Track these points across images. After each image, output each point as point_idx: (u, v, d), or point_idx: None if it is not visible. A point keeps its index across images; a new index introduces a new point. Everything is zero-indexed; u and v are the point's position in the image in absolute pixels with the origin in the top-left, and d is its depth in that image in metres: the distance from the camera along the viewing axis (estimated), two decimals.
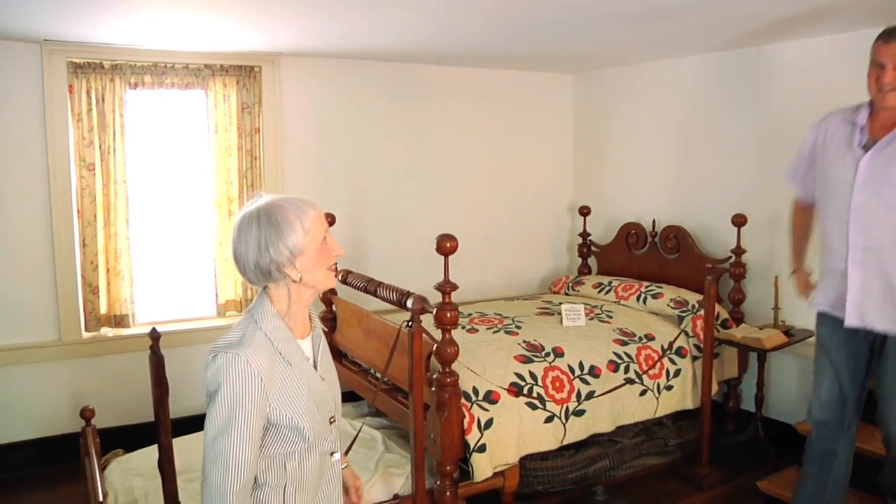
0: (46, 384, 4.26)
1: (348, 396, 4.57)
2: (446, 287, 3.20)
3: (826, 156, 3.01)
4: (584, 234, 5.53)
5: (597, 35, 4.08)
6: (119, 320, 4.37)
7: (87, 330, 4.35)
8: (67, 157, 4.18)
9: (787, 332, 4.12)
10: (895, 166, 2.77)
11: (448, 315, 3.19)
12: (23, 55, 4.03)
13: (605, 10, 3.45)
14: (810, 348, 4.05)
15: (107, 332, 4.39)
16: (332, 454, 1.92)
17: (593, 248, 5.52)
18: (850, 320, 2.92)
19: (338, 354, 4.53)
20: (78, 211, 4.25)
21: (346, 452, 3.08)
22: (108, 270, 4.33)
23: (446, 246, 3.18)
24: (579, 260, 5.58)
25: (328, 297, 4.57)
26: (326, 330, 2.01)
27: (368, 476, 3.44)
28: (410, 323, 3.08)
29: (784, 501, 3.50)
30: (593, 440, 3.91)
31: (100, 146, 4.23)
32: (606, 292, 4.85)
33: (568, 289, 5.20)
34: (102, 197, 4.28)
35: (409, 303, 3.12)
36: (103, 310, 4.36)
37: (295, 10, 3.42)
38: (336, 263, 1.87)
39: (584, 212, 5.49)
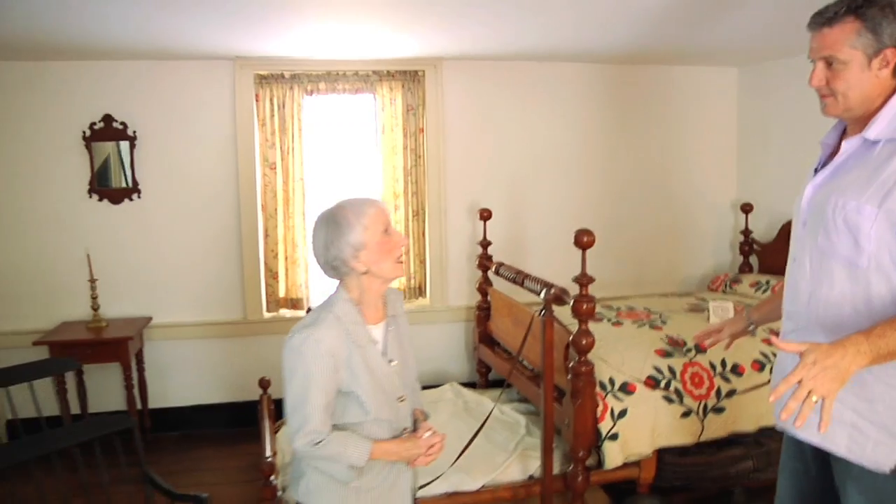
0: (233, 356, 4.86)
1: (499, 383, 4.83)
2: (583, 279, 3.35)
3: None
4: (746, 232, 5.40)
5: (763, 25, 3.98)
6: (295, 303, 4.88)
7: (267, 310, 4.90)
8: (253, 157, 4.73)
9: None
10: (840, 198, 1.90)
11: (584, 306, 3.33)
12: (218, 70, 4.64)
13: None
14: None
15: (285, 312, 4.92)
16: (404, 429, 2.11)
17: (755, 246, 5.38)
18: (778, 418, 1.86)
19: (490, 342, 4.79)
20: (261, 205, 4.80)
21: (474, 437, 3.31)
22: (286, 258, 4.85)
23: (583, 240, 3.32)
24: (741, 258, 5.46)
25: (484, 288, 4.83)
26: (397, 315, 2.19)
27: (506, 457, 3.65)
28: (543, 312, 3.25)
29: None
30: (737, 440, 3.86)
31: (280, 147, 4.75)
32: (764, 291, 4.74)
33: (726, 287, 5.12)
34: (283, 192, 4.80)
35: (543, 292, 3.29)
36: (282, 293, 4.90)
37: (452, 19, 3.69)
38: (402, 254, 2.05)
39: (747, 209, 5.37)
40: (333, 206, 2.05)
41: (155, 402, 4.77)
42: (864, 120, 1.94)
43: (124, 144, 4.59)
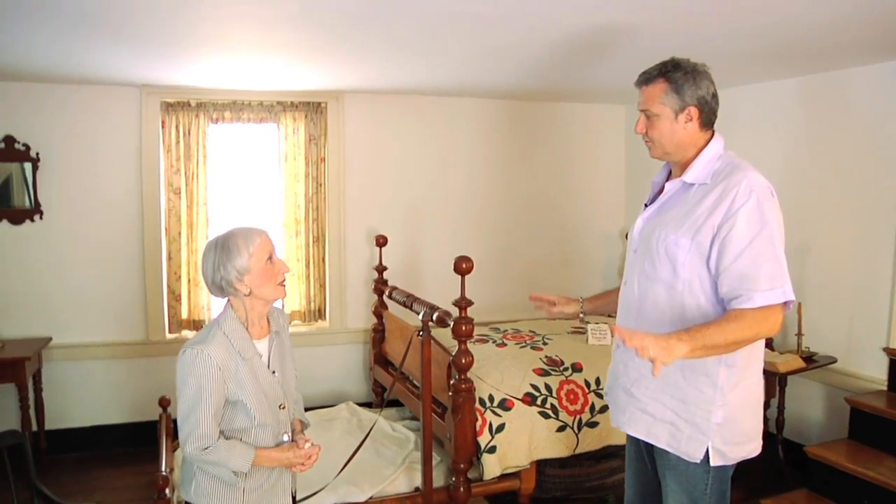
0: (135, 377, 4.92)
1: (392, 402, 5.04)
2: (462, 303, 3.60)
3: None
4: None
5: (640, 69, 4.28)
6: (197, 324, 5.00)
7: (169, 332, 5.00)
8: (158, 182, 4.85)
9: (809, 357, 4.26)
10: (663, 231, 2.24)
11: (463, 328, 3.59)
12: (125, 96, 4.76)
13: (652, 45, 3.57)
14: (832, 374, 4.22)
15: (187, 334, 5.02)
16: (283, 433, 2.32)
17: None
18: (613, 420, 2.46)
19: (385, 363, 5.00)
20: (165, 229, 4.92)
21: (359, 448, 3.52)
22: (189, 280, 4.98)
23: (462, 266, 3.59)
24: None
25: (379, 311, 5.04)
26: (280, 331, 2.43)
27: (393, 470, 3.86)
28: (421, 332, 3.49)
29: None
30: (614, 453, 4.16)
31: (185, 173, 4.89)
32: None
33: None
34: (186, 217, 4.93)
35: (422, 314, 3.53)
36: (184, 315, 5.01)
37: (354, 57, 3.90)
38: (284, 279, 2.28)
39: None
40: (225, 232, 2.25)
41: (53, 423, 4.77)
42: (684, 165, 2.30)
43: (26, 166, 4.63)
